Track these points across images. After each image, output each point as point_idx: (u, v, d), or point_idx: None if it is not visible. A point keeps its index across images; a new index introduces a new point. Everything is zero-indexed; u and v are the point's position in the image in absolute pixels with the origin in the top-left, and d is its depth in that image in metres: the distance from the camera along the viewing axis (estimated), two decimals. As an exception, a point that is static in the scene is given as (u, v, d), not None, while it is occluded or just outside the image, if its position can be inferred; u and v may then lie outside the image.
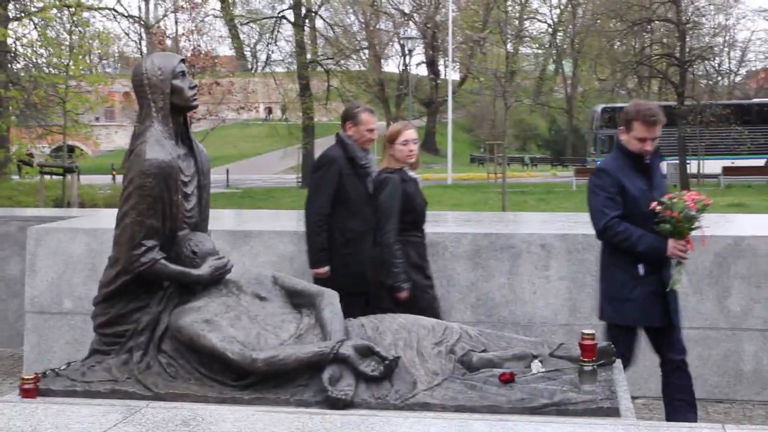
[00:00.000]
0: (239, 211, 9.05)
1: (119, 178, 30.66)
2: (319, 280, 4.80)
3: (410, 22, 45.35)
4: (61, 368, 3.54)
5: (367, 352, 3.38)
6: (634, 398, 3.44)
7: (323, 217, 5.02)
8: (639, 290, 4.18)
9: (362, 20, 45.34)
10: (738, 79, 50.88)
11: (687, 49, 30.17)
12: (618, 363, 3.69)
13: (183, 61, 3.73)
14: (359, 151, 5.14)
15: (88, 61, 20.95)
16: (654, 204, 4.07)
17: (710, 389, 5.34)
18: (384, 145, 4.89)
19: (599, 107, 40.58)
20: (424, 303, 4.69)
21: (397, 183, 4.73)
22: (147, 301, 3.59)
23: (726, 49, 47.16)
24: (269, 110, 47.01)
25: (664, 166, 4.40)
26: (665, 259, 4.16)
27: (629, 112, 4.31)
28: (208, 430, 2.69)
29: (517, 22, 53.35)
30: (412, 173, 4.89)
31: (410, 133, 4.85)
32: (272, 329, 3.52)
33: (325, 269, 5.05)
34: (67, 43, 19.51)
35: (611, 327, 4.32)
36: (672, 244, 4.09)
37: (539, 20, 57.64)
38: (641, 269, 4.18)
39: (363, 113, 5.20)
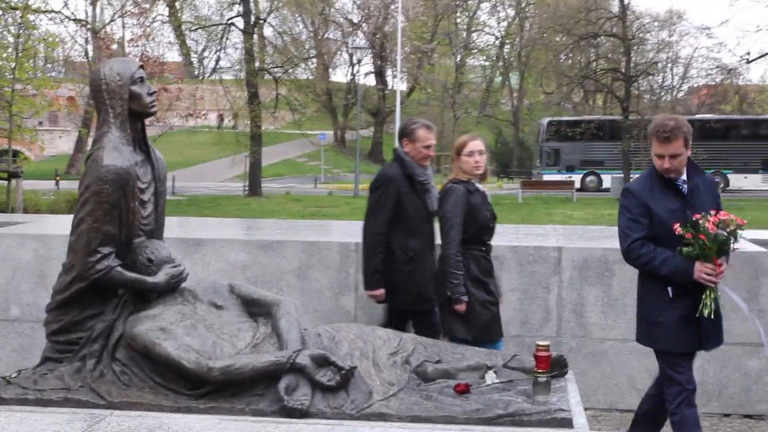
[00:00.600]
0: (189, 219, 8.96)
1: (63, 183, 30.15)
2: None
3: (359, 32, 45.53)
4: (12, 376, 3.48)
5: (323, 361, 3.38)
6: (584, 410, 3.51)
7: (381, 237, 4.89)
8: (668, 314, 4.04)
9: (311, 29, 45.34)
10: (681, 94, 52.26)
11: (632, 65, 30.97)
12: (570, 374, 3.76)
13: (142, 67, 3.70)
14: (417, 168, 4.99)
15: (33, 65, 20.58)
16: (676, 226, 3.90)
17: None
18: (452, 157, 4.83)
19: (545, 120, 41.28)
20: (483, 320, 4.61)
21: (461, 194, 4.65)
22: (101, 309, 3.55)
23: (669, 65, 48.45)
24: (221, 117, 46.76)
25: (718, 184, 4.31)
26: (697, 282, 3.95)
27: (650, 128, 4.17)
28: (175, 438, 2.67)
29: (465, 34, 54.10)
30: (479, 185, 4.81)
31: (476, 144, 4.75)
32: (228, 338, 3.51)
33: (380, 291, 4.93)
34: (12, 46, 19.18)
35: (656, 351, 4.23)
36: (698, 268, 3.90)
37: (487, 33, 58.52)
38: (670, 292, 4.03)
39: (420, 129, 5.01)
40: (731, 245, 3.91)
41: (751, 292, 5.30)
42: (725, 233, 3.83)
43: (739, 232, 3.92)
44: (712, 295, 3.93)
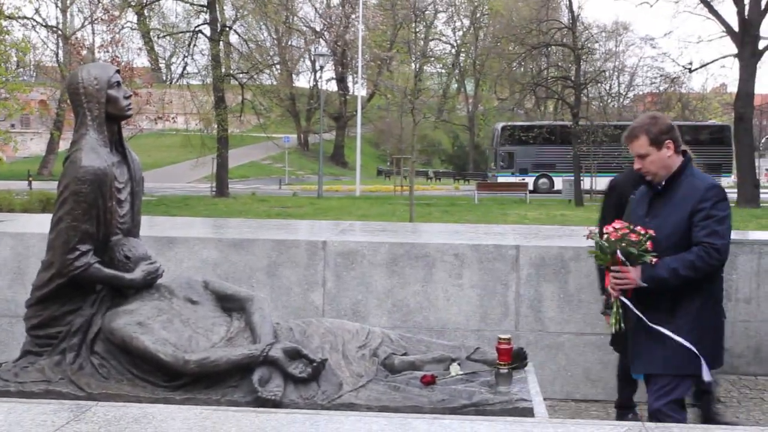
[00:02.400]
0: (159, 218, 8.99)
1: (36, 184, 29.74)
2: None
3: (321, 40, 45.75)
4: (-7, 369, 3.53)
5: (295, 354, 3.50)
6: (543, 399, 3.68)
7: None
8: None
9: (275, 37, 45.43)
10: (627, 101, 53.34)
11: (581, 73, 31.56)
12: (530, 366, 3.93)
13: (118, 71, 3.79)
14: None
15: (6, 69, 20.38)
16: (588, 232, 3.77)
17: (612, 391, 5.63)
18: None
19: (499, 125, 41.89)
20: None
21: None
22: (80, 304, 3.62)
23: (616, 74, 49.46)
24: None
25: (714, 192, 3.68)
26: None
27: None
28: (159, 428, 2.76)
29: (422, 42, 54.60)
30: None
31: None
32: (203, 332, 3.61)
33: None
34: None
35: None
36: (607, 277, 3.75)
37: (443, 41, 59.19)
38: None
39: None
40: (638, 258, 3.60)
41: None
42: (623, 245, 3.58)
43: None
44: (615, 308, 3.73)
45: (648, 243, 3.57)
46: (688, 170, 3.76)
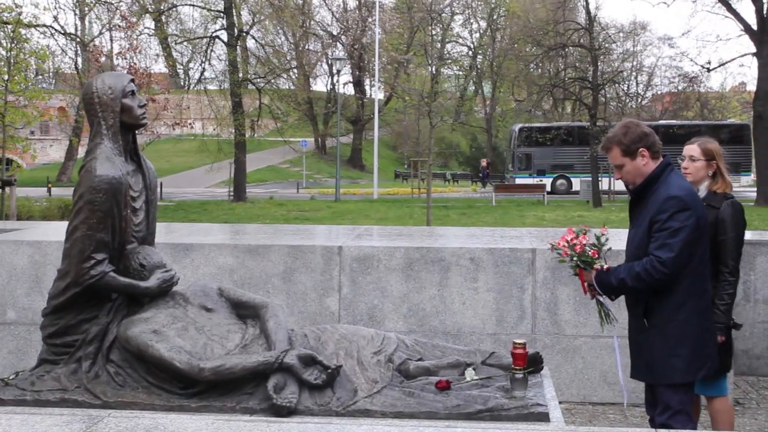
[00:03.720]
0: (177, 225, 9.05)
1: (54, 190, 30.10)
2: None
3: (338, 44, 45.90)
4: (10, 378, 3.56)
5: (310, 361, 3.50)
6: (559, 403, 3.66)
7: None
8: None
9: (292, 41, 45.61)
10: (645, 102, 53.01)
11: (598, 74, 31.41)
12: (546, 370, 3.92)
13: (132, 81, 3.81)
14: None
15: (25, 77, 20.70)
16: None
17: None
18: None
19: (517, 126, 41.76)
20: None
21: None
22: (96, 313, 3.64)
23: (634, 74, 49.14)
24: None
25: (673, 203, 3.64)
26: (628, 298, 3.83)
27: None
28: (171, 437, 2.78)
29: (439, 45, 54.60)
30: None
31: (687, 149, 4.44)
32: (218, 339, 3.63)
33: None
34: (4, 59, 19.37)
35: None
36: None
37: (460, 44, 59.15)
38: None
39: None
40: (590, 265, 3.69)
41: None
42: (574, 259, 3.68)
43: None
44: (598, 308, 3.87)
45: (592, 251, 3.62)
46: (663, 177, 3.71)
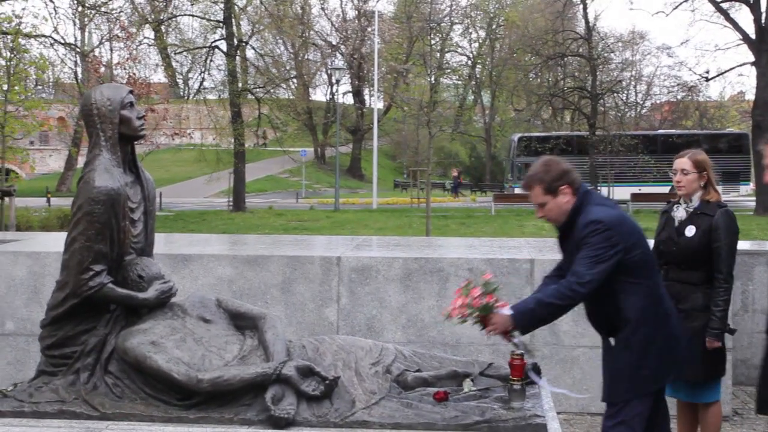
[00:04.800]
0: (176, 235, 9.07)
1: (54, 200, 30.13)
2: None
3: (337, 53, 46.03)
4: (8, 389, 3.57)
5: (308, 372, 3.51)
6: (557, 414, 3.67)
7: None
8: None
9: (291, 51, 45.76)
10: (644, 111, 53.13)
11: (597, 83, 31.54)
12: (544, 381, 3.92)
13: (131, 92, 3.83)
14: None
15: (25, 87, 20.77)
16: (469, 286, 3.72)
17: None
18: None
19: (516, 136, 41.84)
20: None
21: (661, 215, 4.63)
22: (94, 324, 3.65)
23: (633, 83, 49.28)
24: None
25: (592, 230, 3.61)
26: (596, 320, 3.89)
27: None
28: (167, 450, 2.78)
29: (438, 55, 54.79)
30: (682, 206, 4.52)
31: (677, 163, 4.50)
32: (216, 351, 3.63)
33: None
34: (4, 69, 19.47)
35: None
36: None
37: (459, 53, 59.34)
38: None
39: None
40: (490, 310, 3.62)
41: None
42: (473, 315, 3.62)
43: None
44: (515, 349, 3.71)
45: (487, 297, 3.59)
46: (582, 208, 3.69)
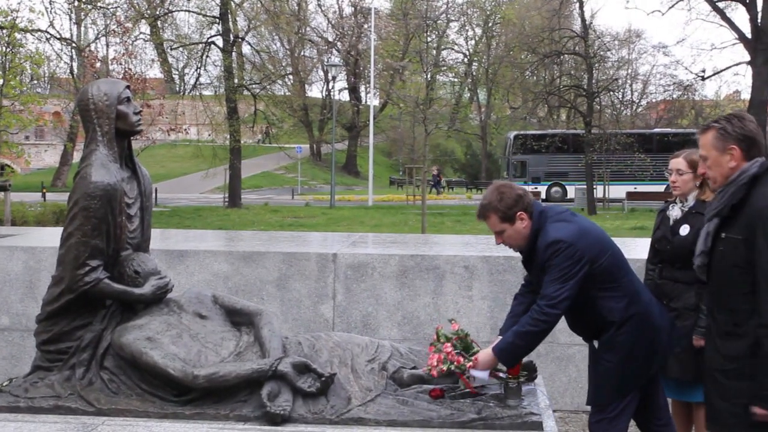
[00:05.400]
0: (172, 231, 9.06)
1: (49, 195, 30.08)
2: None
3: (334, 50, 45.99)
4: (4, 384, 3.57)
5: (304, 368, 3.51)
6: (553, 411, 3.68)
7: None
8: None
9: (288, 47, 45.71)
10: (640, 109, 53.21)
11: (593, 81, 31.54)
12: (540, 379, 3.92)
13: (128, 87, 3.82)
14: None
15: (20, 82, 20.70)
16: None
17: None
18: None
19: (512, 134, 41.87)
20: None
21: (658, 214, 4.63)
22: (90, 319, 3.65)
23: (629, 82, 49.34)
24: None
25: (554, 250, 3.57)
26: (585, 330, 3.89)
27: None
28: (163, 446, 2.78)
29: (435, 52, 54.77)
30: (677, 205, 4.50)
31: (673, 162, 4.47)
32: (212, 347, 3.63)
33: None
34: (0, 63, 19.44)
35: None
36: None
37: (456, 51, 59.33)
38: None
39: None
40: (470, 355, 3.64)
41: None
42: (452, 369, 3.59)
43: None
44: (510, 387, 3.65)
45: (462, 348, 3.58)
46: (540, 230, 3.66)
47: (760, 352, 3.02)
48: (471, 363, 3.57)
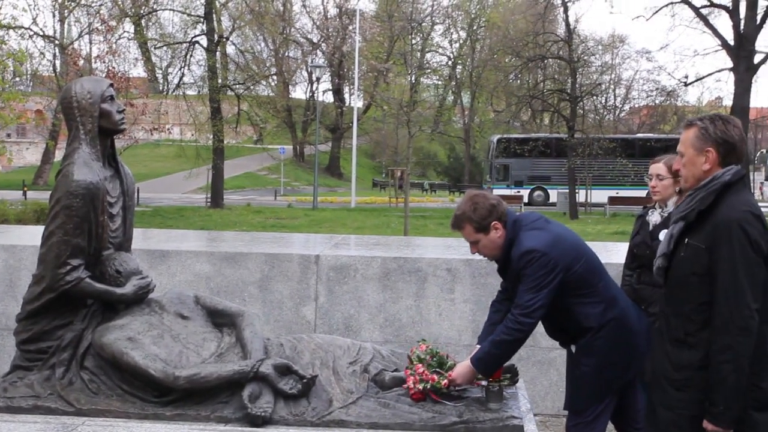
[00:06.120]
0: (154, 231, 9.00)
1: (30, 194, 29.83)
2: None
3: (318, 51, 45.95)
4: (-18, 384, 3.52)
5: (285, 370, 3.51)
6: (534, 415, 3.69)
7: None
8: None
9: (272, 48, 45.64)
10: (623, 114, 53.56)
11: (577, 86, 31.72)
12: (521, 383, 3.94)
13: (111, 85, 3.80)
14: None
15: (2, 79, 20.48)
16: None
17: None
18: None
19: (495, 137, 42.02)
20: None
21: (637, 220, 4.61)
22: (70, 319, 3.62)
23: (612, 87, 49.64)
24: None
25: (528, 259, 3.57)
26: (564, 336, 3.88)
27: None
28: (144, 446, 2.76)
29: (419, 54, 54.88)
30: (657, 211, 4.51)
31: (653, 168, 4.46)
32: (194, 347, 3.62)
33: None
34: None
35: None
36: None
37: (440, 53, 59.49)
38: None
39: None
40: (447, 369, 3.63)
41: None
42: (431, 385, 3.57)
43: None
44: (493, 391, 3.63)
45: (437, 365, 3.58)
46: (515, 239, 3.67)
47: (715, 376, 2.93)
48: (446, 381, 3.56)
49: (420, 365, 3.59)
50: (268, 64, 42.46)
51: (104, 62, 24.89)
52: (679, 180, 4.35)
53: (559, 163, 35.56)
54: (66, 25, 40.18)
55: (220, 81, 32.62)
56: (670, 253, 3.17)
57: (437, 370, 3.59)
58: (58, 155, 38.55)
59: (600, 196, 34.87)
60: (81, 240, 3.54)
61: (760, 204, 3.19)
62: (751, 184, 32.12)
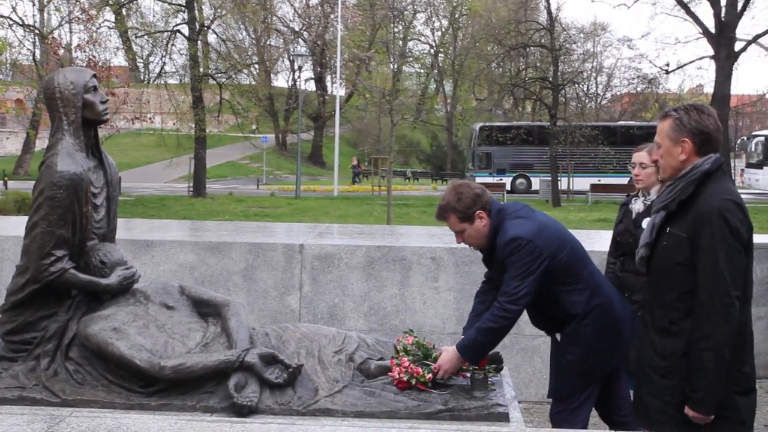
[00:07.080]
0: (137, 221, 8.96)
1: (11, 183, 29.56)
2: None
3: (300, 40, 45.70)
4: (-33, 376, 3.50)
5: (271, 360, 3.51)
6: (518, 402, 3.72)
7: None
8: None
9: (253, 36, 45.36)
10: (605, 102, 53.81)
11: (559, 74, 31.81)
12: (506, 371, 3.97)
13: (95, 76, 3.78)
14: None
15: None
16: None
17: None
18: None
19: (477, 125, 42.06)
20: None
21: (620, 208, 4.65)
22: (55, 309, 3.61)
23: (594, 75, 49.86)
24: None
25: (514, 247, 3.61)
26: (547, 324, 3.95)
27: None
28: (133, 437, 2.77)
29: (401, 43, 54.77)
30: (640, 199, 4.56)
31: (636, 156, 4.50)
32: (179, 338, 3.61)
33: None
34: None
35: None
36: None
37: (422, 42, 59.36)
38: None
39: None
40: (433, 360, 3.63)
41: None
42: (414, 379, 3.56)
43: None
44: (478, 380, 3.64)
45: (422, 357, 3.59)
46: (499, 228, 3.70)
47: (696, 363, 2.97)
48: (430, 374, 3.58)
49: (405, 359, 3.60)
50: (249, 53, 42.25)
51: (85, 51, 24.71)
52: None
53: (542, 150, 35.68)
54: (46, 14, 39.71)
55: (201, 70, 32.44)
56: (653, 242, 3.20)
57: (423, 362, 3.61)
58: (39, 145, 38.18)
59: (582, 183, 35.04)
60: (65, 231, 3.53)
61: (740, 191, 3.23)
62: (732, 171, 32.43)
